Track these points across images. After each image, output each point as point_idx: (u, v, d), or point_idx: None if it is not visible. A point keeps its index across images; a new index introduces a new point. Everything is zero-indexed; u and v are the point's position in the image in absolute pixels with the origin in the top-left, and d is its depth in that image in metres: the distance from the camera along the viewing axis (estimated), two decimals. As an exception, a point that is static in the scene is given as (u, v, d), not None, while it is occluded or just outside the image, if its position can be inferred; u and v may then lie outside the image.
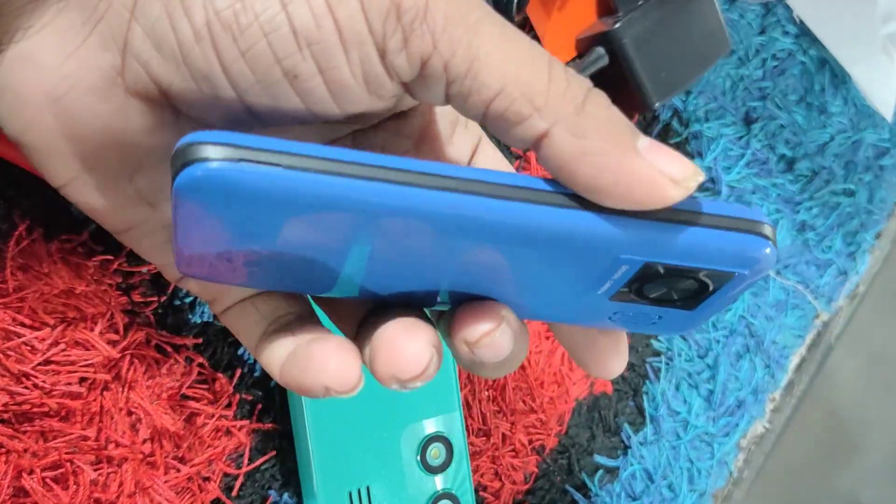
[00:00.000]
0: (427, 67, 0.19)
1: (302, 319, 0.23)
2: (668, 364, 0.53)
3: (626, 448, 0.51)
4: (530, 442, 0.46)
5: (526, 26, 0.43)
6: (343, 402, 0.37)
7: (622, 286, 0.21)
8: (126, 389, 0.33)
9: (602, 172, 0.18)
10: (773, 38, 0.55)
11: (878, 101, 0.56)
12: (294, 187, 0.17)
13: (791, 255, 0.60)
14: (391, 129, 0.24)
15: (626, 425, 0.51)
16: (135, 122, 0.21)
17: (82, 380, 0.32)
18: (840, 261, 0.64)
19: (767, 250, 0.20)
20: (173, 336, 0.34)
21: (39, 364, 0.31)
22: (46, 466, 0.31)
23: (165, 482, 0.34)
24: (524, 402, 0.46)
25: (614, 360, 0.24)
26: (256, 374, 0.37)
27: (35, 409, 0.31)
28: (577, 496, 0.48)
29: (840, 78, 0.59)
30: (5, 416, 0.30)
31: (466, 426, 0.43)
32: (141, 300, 0.34)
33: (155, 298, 0.34)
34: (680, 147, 0.52)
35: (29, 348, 0.30)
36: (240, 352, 0.36)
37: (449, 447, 0.39)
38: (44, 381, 0.31)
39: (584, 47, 0.43)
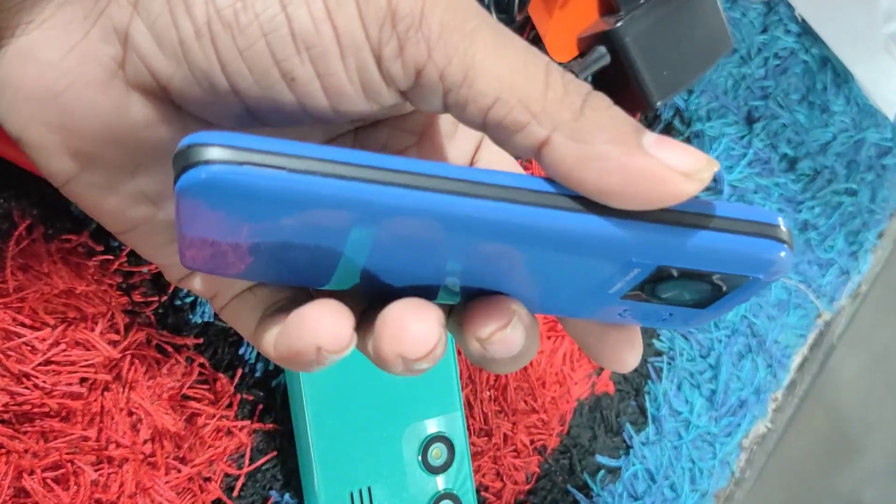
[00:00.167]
0: (422, 76, 0.19)
1: (298, 302, 0.23)
2: (669, 364, 0.53)
3: (628, 448, 0.51)
4: (532, 442, 0.46)
5: (527, 25, 0.43)
6: (344, 402, 0.37)
7: (634, 287, 0.21)
8: (127, 390, 0.33)
9: (607, 175, 0.18)
10: (775, 36, 0.55)
11: (880, 100, 0.56)
12: (295, 189, 0.17)
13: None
14: (393, 124, 0.24)
15: (627, 425, 0.51)
16: (136, 116, 0.21)
17: (83, 380, 0.32)
18: (842, 260, 0.64)
19: (783, 254, 0.19)
20: (174, 336, 0.34)
21: (40, 364, 0.31)
22: (47, 467, 0.31)
23: (166, 483, 0.34)
24: (526, 401, 0.46)
25: (628, 354, 0.24)
26: (257, 374, 0.37)
27: (35, 410, 0.31)
28: (579, 496, 0.48)
29: (842, 77, 0.59)
30: (6, 416, 0.30)
31: (468, 426, 0.43)
32: (141, 300, 0.33)
33: (155, 298, 0.34)
34: (682, 146, 0.52)
35: (29, 348, 0.30)
36: (241, 352, 0.36)
37: (450, 447, 0.39)
38: (44, 382, 0.30)
39: (586, 46, 0.43)
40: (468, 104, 0.19)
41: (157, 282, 0.34)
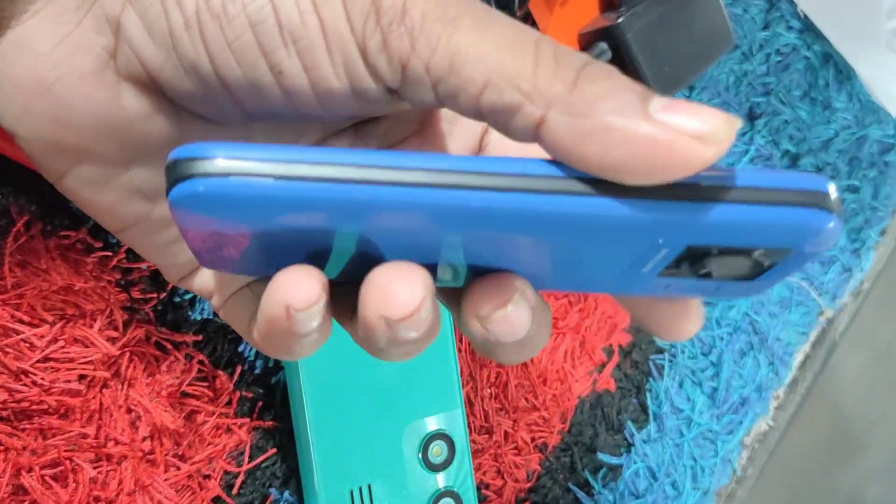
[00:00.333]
0: (408, 70, 0.18)
1: None
2: (671, 361, 0.53)
3: (630, 446, 0.51)
4: (533, 440, 0.46)
5: (528, 21, 0.43)
6: (344, 399, 0.37)
7: (668, 266, 0.19)
8: (125, 387, 0.33)
9: (612, 149, 0.17)
10: (777, 33, 0.55)
11: (882, 96, 0.56)
12: (283, 196, 0.17)
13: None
14: (393, 115, 0.24)
15: (629, 423, 0.51)
16: (128, 108, 0.20)
17: (81, 377, 0.32)
18: (844, 257, 0.63)
19: (831, 224, 0.17)
20: (173, 333, 0.34)
21: (38, 361, 0.30)
22: (46, 464, 0.31)
23: (165, 480, 0.34)
24: (527, 399, 0.46)
25: (684, 324, 0.22)
26: (257, 371, 0.37)
27: (34, 407, 0.30)
28: (580, 494, 0.48)
29: (844, 73, 0.59)
30: (4, 413, 0.30)
31: (468, 424, 0.43)
32: (140, 297, 0.33)
33: (154, 295, 0.34)
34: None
35: (28, 345, 0.30)
36: (240, 349, 0.36)
37: (451, 445, 0.39)
38: (43, 379, 0.30)
39: (587, 42, 0.43)
40: (459, 93, 0.18)
41: (156, 278, 0.34)
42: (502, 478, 0.45)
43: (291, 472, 0.38)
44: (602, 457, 0.49)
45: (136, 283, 0.33)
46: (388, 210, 0.17)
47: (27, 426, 0.31)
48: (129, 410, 0.33)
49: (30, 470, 0.30)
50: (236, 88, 0.20)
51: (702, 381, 0.55)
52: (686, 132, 0.16)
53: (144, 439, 0.33)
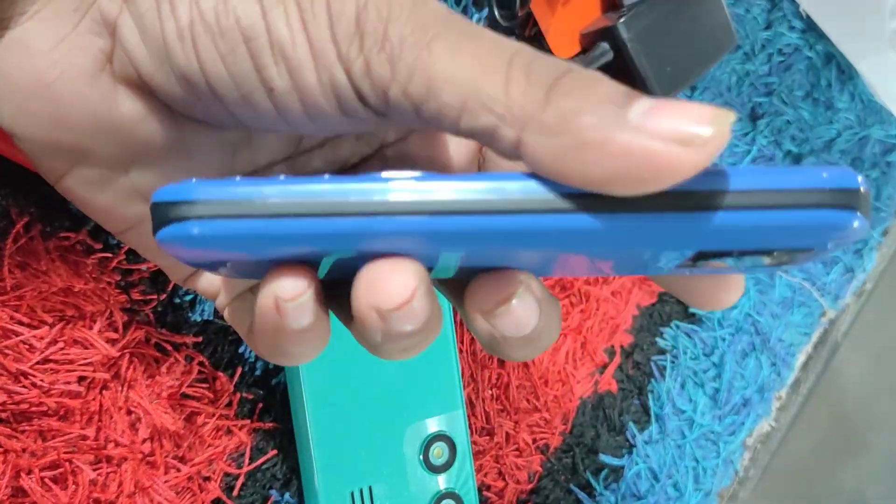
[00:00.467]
0: (389, 96, 0.18)
1: None
2: (673, 362, 0.53)
3: (631, 447, 0.51)
4: (534, 441, 0.46)
5: (529, 21, 0.43)
6: (345, 400, 0.36)
7: (683, 263, 0.19)
8: (125, 388, 0.33)
9: (592, 164, 0.16)
10: (779, 32, 0.55)
11: (885, 96, 0.56)
12: (272, 234, 0.17)
13: (797, 252, 0.59)
14: None
15: (631, 424, 0.51)
16: (125, 110, 0.20)
17: (81, 379, 0.32)
18: (847, 258, 0.63)
19: (856, 224, 0.16)
20: (173, 334, 0.34)
21: (38, 363, 0.30)
22: (45, 466, 0.31)
23: (165, 482, 0.33)
24: (528, 400, 0.45)
25: (722, 294, 0.21)
26: (257, 372, 0.37)
27: (33, 409, 0.30)
28: (582, 496, 0.48)
29: (847, 73, 0.59)
30: (3, 415, 0.30)
31: (470, 425, 0.43)
32: (140, 298, 0.33)
33: (154, 296, 0.34)
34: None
35: (27, 347, 0.30)
36: (241, 350, 0.36)
37: (452, 446, 0.39)
38: (42, 380, 0.30)
39: (589, 43, 0.43)
40: (440, 117, 0.18)
41: (156, 280, 0.34)
42: (504, 479, 0.45)
43: (292, 474, 0.38)
44: (604, 458, 0.49)
45: (136, 285, 0.33)
46: (378, 237, 0.17)
47: (27, 428, 0.30)
48: (129, 412, 0.33)
49: (29, 472, 0.30)
50: (229, 100, 0.20)
51: (704, 382, 0.55)
52: (672, 136, 0.15)
53: (144, 441, 0.33)
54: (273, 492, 0.37)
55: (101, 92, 0.20)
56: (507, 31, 0.42)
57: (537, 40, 0.43)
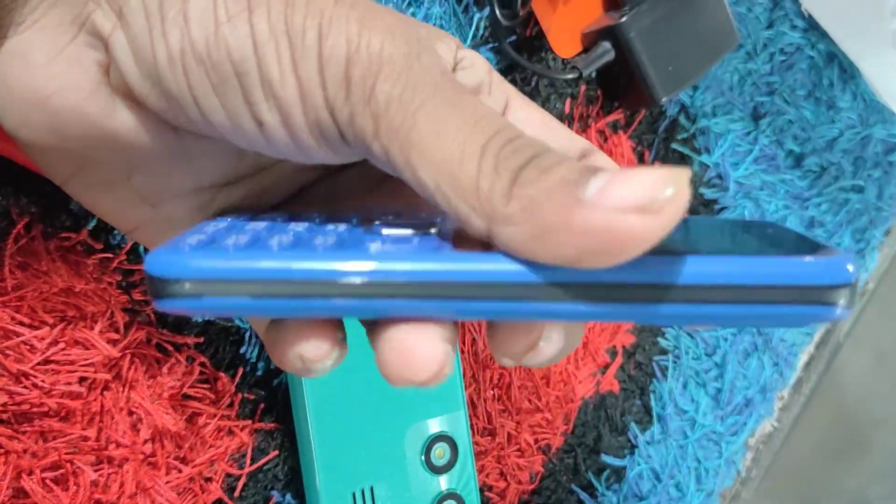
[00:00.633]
0: (371, 149, 0.19)
1: None
2: (675, 362, 0.53)
3: (633, 447, 0.51)
4: (536, 441, 0.46)
5: (531, 21, 0.42)
6: (346, 401, 0.36)
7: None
8: (127, 389, 0.33)
9: (560, 246, 0.16)
10: (781, 32, 0.55)
11: (887, 95, 0.56)
12: (264, 308, 0.18)
13: (799, 251, 0.59)
14: None
15: (632, 424, 0.51)
16: (123, 122, 0.20)
17: (82, 379, 0.31)
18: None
19: (838, 312, 0.16)
20: (174, 335, 0.34)
21: (39, 363, 0.30)
22: (46, 467, 0.31)
23: (167, 483, 0.33)
24: (530, 400, 0.45)
25: None
26: (259, 373, 0.37)
27: (34, 409, 0.30)
28: (584, 496, 0.48)
29: (849, 73, 0.59)
30: (4, 416, 0.30)
31: (471, 425, 0.43)
32: (141, 298, 0.33)
33: (156, 297, 0.34)
34: (687, 143, 0.51)
35: (28, 347, 0.30)
36: (242, 351, 0.36)
37: (453, 447, 0.39)
38: (43, 381, 0.30)
39: (590, 41, 0.43)
40: (414, 185, 0.18)
41: (158, 280, 0.34)
42: (505, 480, 0.45)
43: (293, 475, 0.37)
44: (606, 458, 0.49)
45: (137, 285, 0.33)
46: (369, 312, 0.18)
47: (28, 429, 0.30)
48: (131, 413, 0.33)
49: (30, 473, 0.30)
50: (221, 127, 0.20)
51: (706, 383, 0.55)
52: (627, 207, 0.16)
53: (146, 442, 0.33)
54: (275, 492, 0.37)
55: (100, 105, 0.20)
56: (509, 30, 0.41)
57: (539, 39, 0.43)
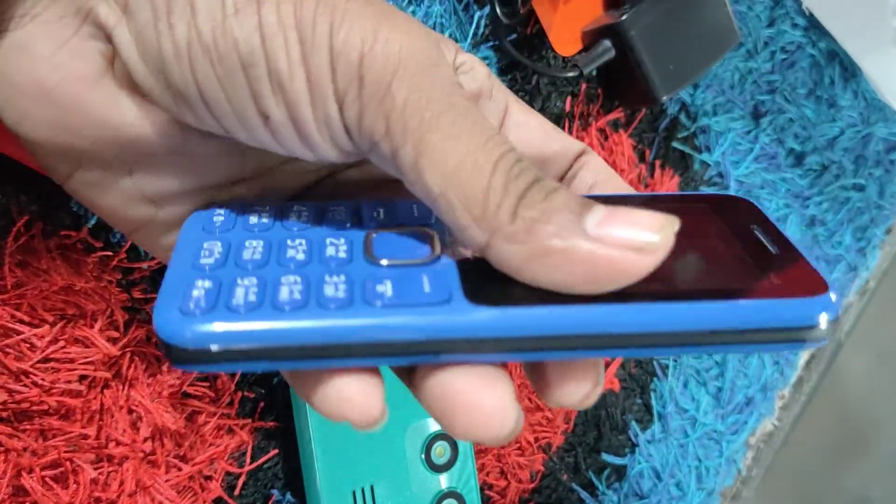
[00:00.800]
0: (378, 147, 0.19)
1: None
2: (675, 361, 0.53)
3: (634, 446, 0.51)
4: (536, 440, 0.46)
5: (531, 19, 0.42)
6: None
7: None
8: (126, 387, 0.33)
9: (556, 269, 0.18)
10: (781, 30, 0.54)
11: (888, 94, 0.55)
12: (279, 367, 0.18)
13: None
14: None
15: (633, 423, 0.51)
16: (127, 115, 0.20)
17: (82, 377, 0.31)
18: (850, 256, 0.63)
19: (817, 344, 0.18)
20: (174, 333, 0.34)
21: (39, 362, 0.30)
22: (46, 465, 0.31)
23: (166, 481, 0.33)
24: (530, 399, 0.45)
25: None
26: (258, 371, 0.37)
27: (34, 408, 0.30)
28: (584, 495, 0.48)
29: (850, 71, 0.59)
30: (4, 414, 0.30)
31: (472, 424, 0.43)
32: (141, 297, 0.33)
33: (155, 295, 0.34)
34: (687, 141, 0.51)
35: (28, 346, 0.30)
36: (242, 349, 0.36)
37: (454, 445, 0.39)
38: (43, 379, 0.30)
39: (591, 40, 0.43)
40: (417, 188, 0.19)
41: (158, 278, 0.34)
42: (506, 478, 0.45)
43: (293, 473, 0.37)
44: (606, 457, 0.49)
45: (137, 283, 0.33)
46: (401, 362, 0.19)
47: (27, 427, 0.30)
48: (130, 411, 0.33)
49: (30, 471, 0.30)
50: (226, 122, 0.20)
51: (706, 381, 0.54)
52: (627, 245, 0.17)
53: (146, 440, 0.33)
54: (275, 491, 0.37)
55: (103, 97, 0.20)
56: (509, 29, 0.41)
57: (539, 37, 0.43)
